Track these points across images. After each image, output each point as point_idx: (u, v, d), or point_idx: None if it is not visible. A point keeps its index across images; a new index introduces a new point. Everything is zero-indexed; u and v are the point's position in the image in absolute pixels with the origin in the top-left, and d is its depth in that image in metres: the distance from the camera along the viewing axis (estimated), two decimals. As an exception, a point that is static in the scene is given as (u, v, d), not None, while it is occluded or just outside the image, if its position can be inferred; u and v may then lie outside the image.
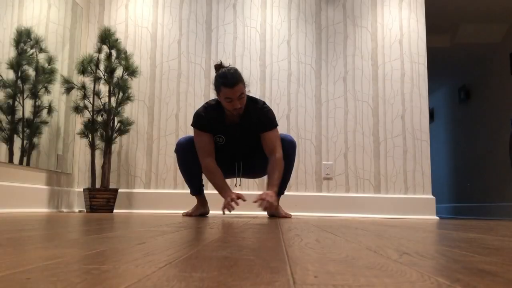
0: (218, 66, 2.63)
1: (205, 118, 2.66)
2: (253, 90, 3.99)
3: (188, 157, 2.79)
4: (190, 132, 3.95)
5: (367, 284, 0.46)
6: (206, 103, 2.72)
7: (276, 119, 2.92)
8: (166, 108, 3.99)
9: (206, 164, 2.66)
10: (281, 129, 3.95)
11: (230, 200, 2.50)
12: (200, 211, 2.98)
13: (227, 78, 2.49)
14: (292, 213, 3.76)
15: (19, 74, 3.06)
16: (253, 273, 0.53)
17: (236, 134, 2.71)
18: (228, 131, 2.70)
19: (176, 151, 2.82)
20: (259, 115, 2.66)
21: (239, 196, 2.53)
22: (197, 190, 2.91)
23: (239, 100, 2.53)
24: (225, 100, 2.53)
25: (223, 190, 2.61)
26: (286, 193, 3.86)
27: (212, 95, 3.98)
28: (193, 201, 3.93)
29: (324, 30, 4.09)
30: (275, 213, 2.83)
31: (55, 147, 3.53)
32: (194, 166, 2.79)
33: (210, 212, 3.82)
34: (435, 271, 0.56)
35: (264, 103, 2.71)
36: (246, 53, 4.05)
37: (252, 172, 2.94)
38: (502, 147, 5.53)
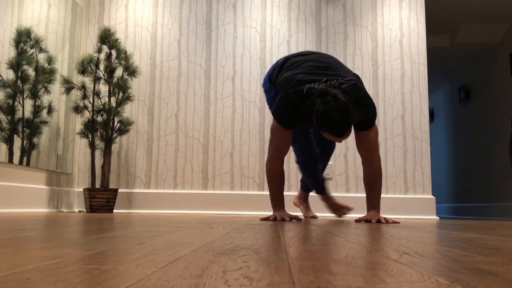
0: (324, 94, 2.08)
1: (295, 117, 2.31)
2: (253, 90, 3.99)
3: (313, 167, 2.72)
4: (190, 131, 3.95)
5: (367, 284, 0.46)
6: (289, 97, 2.26)
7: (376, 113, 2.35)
8: (166, 108, 3.99)
9: (276, 167, 2.38)
10: (281, 129, 3.95)
11: (281, 219, 2.33)
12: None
13: (336, 128, 2.06)
14: (292, 213, 3.76)
15: (19, 74, 3.06)
16: (253, 273, 0.53)
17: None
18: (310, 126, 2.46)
19: (303, 163, 2.72)
20: (358, 111, 2.18)
21: (293, 218, 2.40)
22: (323, 188, 2.87)
23: None
24: (326, 137, 2.19)
25: (279, 203, 2.41)
26: (286, 193, 3.86)
27: (212, 95, 3.99)
28: (196, 201, 3.93)
29: (324, 30, 4.09)
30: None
31: (55, 147, 3.53)
32: (317, 170, 2.77)
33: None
34: (435, 271, 0.56)
35: (365, 94, 2.26)
36: (246, 53, 4.05)
37: (323, 148, 2.83)
38: (502, 147, 5.53)
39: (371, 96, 4.00)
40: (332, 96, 2.05)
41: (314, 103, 2.11)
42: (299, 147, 2.73)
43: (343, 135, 2.08)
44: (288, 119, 2.31)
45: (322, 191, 2.89)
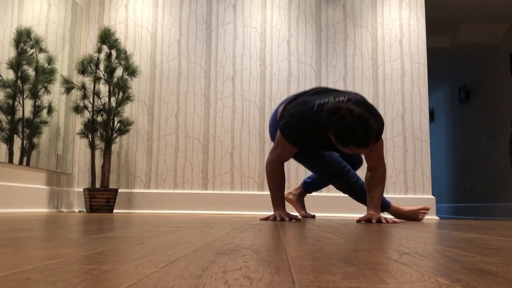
0: (336, 110, 2.05)
1: (306, 137, 2.31)
2: (253, 90, 3.99)
3: (353, 183, 2.58)
4: (190, 131, 3.95)
5: (367, 284, 0.46)
6: (298, 115, 2.26)
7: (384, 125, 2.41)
8: (166, 108, 3.99)
9: (276, 170, 2.41)
10: (281, 129, 3.95)
11: (281, 219, 2.33)
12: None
13: (360, 139, 2.02)
14: (292, 213, 3.76)
15: (19, 74, 3.06)
16: (253, 273, 0.53)
17: (331, 147, 2.39)
18: (324, 145, 2.38)
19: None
20: (373, 119, 2.17)
21: (293, 218, 2.40)
22: (386, 204, 2.77)
23: None
24: (350, 152, 2.13)
25: (279, 203, 2.43)
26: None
27: (212, 95, 3.98)
28: (196, 201, 3.93)
29: (324, 30, 4.09)
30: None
31: (55, 147, 3.53)
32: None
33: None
34: (435, 271, 0.56)
35: (373, 106, 2.26)
36: (246, 53, 4.05)
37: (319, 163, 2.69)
38: (502, 147, 5.53)
39: (370, 96, 3.99)
40: (346, 110, 2.02)
41: (328, 120, 2.07)
42: (328, 166, 2.61)
43: (368, 144, 2.04)
44: (295, 135, 2.31)
45: (386, 207, 2.74)
